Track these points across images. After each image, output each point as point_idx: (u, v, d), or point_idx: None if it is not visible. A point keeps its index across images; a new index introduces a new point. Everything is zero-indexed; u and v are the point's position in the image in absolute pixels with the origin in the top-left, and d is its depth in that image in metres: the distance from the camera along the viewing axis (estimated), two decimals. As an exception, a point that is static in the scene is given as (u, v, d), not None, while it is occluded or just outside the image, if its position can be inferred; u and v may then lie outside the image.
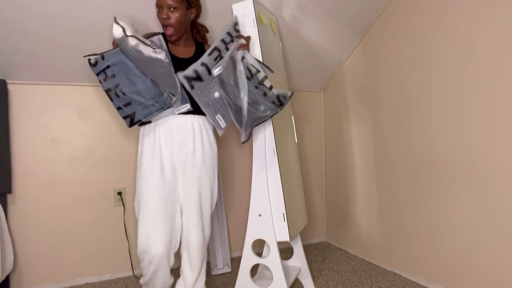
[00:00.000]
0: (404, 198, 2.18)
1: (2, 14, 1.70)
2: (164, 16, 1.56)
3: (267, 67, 1.62)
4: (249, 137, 1.63)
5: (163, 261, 1.58)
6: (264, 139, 1.76)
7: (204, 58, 1.52)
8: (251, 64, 1.57)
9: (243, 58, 1.58)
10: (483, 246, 1.75)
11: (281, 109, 1.60)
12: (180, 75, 1.49)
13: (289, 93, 1.60)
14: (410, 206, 2.14)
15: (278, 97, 1.58)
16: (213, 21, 2.05)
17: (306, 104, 2.87)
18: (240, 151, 2.63)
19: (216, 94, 1.56)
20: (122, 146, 2.28)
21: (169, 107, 1.54)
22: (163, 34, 1.69)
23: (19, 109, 2.06)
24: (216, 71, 1.51)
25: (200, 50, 1.73)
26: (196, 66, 1.51)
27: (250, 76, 1.56)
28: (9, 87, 2.05)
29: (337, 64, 2.67)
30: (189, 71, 1.51)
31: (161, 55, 1.43)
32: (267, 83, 1.58)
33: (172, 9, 1.56)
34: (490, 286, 1.72)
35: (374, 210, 2.41)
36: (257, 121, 1.62)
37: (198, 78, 1.51)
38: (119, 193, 2.28)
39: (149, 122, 1.58)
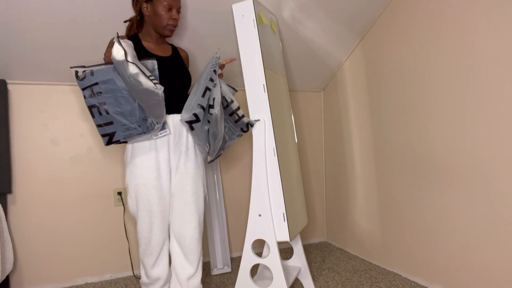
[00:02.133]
0: (404, 198, 2.18)
1: (1, 14, 1.70)
2: (176, 17, 1.62)
3: (233, 88, 1.78)
4: (215, 159, 1.79)
5: (163, 248, 1.69)
6: (264, 139, 1.76)
7: (199, 99, 1.55)
8: (225, 93, 1.69)
9: (220, 87, 1.68)
10: (483, 246, 1.75)
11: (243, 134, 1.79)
12: (182, 120, 1.55)
13: (253, 121, 1.75)
14: (410, 206, 2.14)
15: (247, 124, 1.73)
16: (214, 21, 2.05)
17: (306, 104, 2.87)
18: (240, 151, 2.63)
19: (205, 127, 1.63)
20: (122, 146, 2.28)
21: (149, 132, 1.54)
22: (133, 36, 1.67)
23: (19, 109, 2.07)
24: (215, 111, 1.59)
25: (175, 50, 1.77)
26: (194, 109, 1.53)
27: (226, 105, 1.70)
28: (9, 87, 2.05)
29: (337, 64, 2.67)
30: (189, 116, 1.53)
31: (160, 91, 1.43)
32: (240, 112, 1.73)
33: (178, 11, 1.65)
34: (490, 286, 1.72)
35: (374, 210, 2.41)
36: (226, 147, 1.79)
37: (197, 120, 1.55)
38: (119, 193, 2.28)
39: (125, 142, 1.57)
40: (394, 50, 2.20)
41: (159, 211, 1.62)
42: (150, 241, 1.64)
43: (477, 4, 1.72)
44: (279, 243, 1.74)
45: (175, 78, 1.65)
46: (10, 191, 2.00)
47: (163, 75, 1.62)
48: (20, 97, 2.07)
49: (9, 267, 1.93)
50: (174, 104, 1.65)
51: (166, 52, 1.72)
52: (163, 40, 1.73)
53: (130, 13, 1.87)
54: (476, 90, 1.75)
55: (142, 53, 1.63)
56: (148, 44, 1.67)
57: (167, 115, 1.63)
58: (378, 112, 2.35)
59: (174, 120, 1.63)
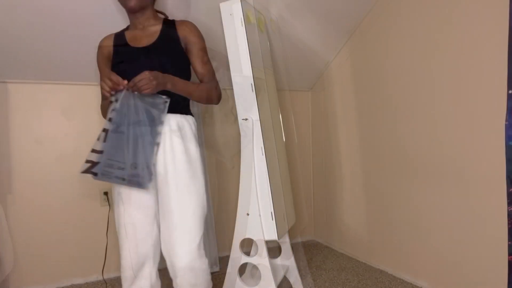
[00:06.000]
0: (390, 196, 2.21)
1: (-17, 10, 1.66)
2: None
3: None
4: None
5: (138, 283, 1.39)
6: (252, 138, 1.76)
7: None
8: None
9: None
10: (467, 242, 1.78)
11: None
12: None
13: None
14: (396, 204, 2.17)
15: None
16: (211, 19, 2.04)
17: (294, 103, 2.88)
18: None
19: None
20: (109, 146, 2.25)
21: None
22: (122, 30, 1.46)
23: (2, 108, 2.02)
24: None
25: (168, 28, 1.42)
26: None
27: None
28: (-9, 85, 2.00)
29: (325, 64, 2.68)
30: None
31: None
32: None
33: None
34: (473, 281, 1.76)
35: (361, 208, 2.44)
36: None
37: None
38: (105, 193, 2.25)
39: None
40: (380, 50, 2.23)
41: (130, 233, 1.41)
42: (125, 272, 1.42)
43: (465, 4, 1.76)
44: (267, 242, 1.74)
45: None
46: (-8, 192, 1.95)
47: (133, 72, 1.26)
48: (3, 96, 2.02)
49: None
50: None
51: (150, 38, 1.39)
52: (148, 21, 1.42)
53: (116, 10, 1.84)
54: (459, 90, 1.78)
55: (120, 47, 1.41)
56: (131, 34, 1.42)
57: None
58: (365, 111, 2.37)
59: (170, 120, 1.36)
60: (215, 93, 1.49)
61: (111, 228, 2.27)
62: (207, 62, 1.48)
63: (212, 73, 1.49)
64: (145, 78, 1.22)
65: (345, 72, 2.53)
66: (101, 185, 2.24)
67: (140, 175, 1.26)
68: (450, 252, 1.86)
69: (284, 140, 2.15)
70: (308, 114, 2.95)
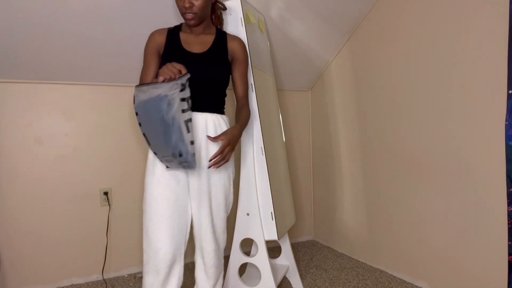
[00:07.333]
0: (390, 196, 2.21)
1: (-17, 10, 1.66)
2: (187, 5, 1.37)
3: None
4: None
5: (174, 265, 1.45)
6: (252, 138, 1.76)
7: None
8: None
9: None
10: (467, 242, 1.78)
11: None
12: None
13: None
14: (396, 204, 2.17)
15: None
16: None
17: (294, 103, 2.88)
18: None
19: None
20: (108, 146, 2.25)
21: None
22: (176, 26, 1.53)
23: (2, 107, 2.02)
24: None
25: (218, 43, 1.50)
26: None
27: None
28: (-9, 85, 2.00)
29: (325, 64, 2.68)
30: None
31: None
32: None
33: None
34: (472, 281, 1.76)
35: (361, 209, 2.44)
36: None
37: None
38: (105, 193, 2.25)
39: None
40: (380, 50, 2.23)
41: (168, 215, 1.46)
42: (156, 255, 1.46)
43: (463, 4, 1.76)
44: (267, 242, 1.74)
45: (197, 78, 1.41)
46: (-8, 192, 1.95)
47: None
48: (3, 95, 2.02)
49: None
50: (195, 104, 1.42)
51: (203, 46, 1.48)
52: (203, 30, 1.50)
53: (116, 10, 1.84)
54: (459, 90, 1.78)
55: (173, 46, 1.46)
56: (185, 36, 1.48)
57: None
58: (365, 111, 2.37)
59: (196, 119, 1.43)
60: (250, 115, 1.60)
61: (111, 228, 2.27)
62: (246, 81, 1.59)
63: (247, 92, 1.60)
64: (227, 152, 1.34)
65: (345, 72, 2.53)
66: (101, 185, 2.24)
67: (187, 160, 1.33)
68: (450, 252, 1.86)
69: (284, 140, 2.15)
70: (308, 114, 2.95)
